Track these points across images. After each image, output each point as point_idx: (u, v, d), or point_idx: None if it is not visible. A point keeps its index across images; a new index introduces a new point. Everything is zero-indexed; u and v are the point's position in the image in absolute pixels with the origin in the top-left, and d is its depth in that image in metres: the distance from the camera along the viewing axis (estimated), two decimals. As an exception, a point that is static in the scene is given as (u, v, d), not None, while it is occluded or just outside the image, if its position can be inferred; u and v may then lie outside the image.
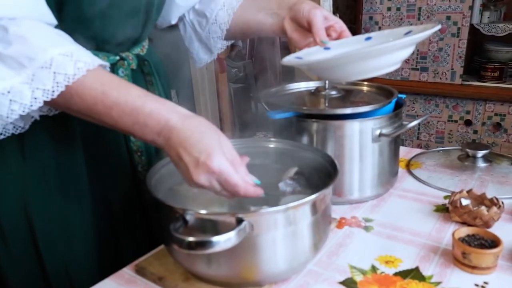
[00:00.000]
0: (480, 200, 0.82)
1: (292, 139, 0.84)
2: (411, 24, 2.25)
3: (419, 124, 2.31)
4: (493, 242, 0.67)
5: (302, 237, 0.62)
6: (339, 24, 0.84)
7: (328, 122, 0.85)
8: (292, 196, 0.70)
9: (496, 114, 2.15)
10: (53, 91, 0.57)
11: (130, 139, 0.82)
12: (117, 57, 0.78)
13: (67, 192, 0.75)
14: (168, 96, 0.93)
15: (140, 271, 0.69)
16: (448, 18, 2.16)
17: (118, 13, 0.72)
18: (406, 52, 0.73)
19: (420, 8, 2.22)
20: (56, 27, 0.65)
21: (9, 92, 0.57)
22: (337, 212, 0.86)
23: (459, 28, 2.15)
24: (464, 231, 0.70)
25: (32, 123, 0.67)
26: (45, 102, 0.59)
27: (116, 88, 0.60)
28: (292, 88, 1.05)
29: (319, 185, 0.71)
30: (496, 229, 0.74)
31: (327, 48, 0.83)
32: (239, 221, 0.55)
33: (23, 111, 0.58)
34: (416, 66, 2.30)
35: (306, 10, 0.82)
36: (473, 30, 2.17)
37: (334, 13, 2.42)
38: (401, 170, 1.04)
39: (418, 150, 1.18)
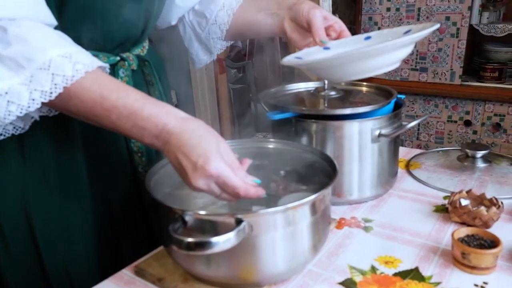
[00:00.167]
0: (480, 200, 0.82)
1: (291, 140, 0.83)
2: (410, 25, 2.25)
3: (418, 124, 2.32)
4: (493, 242, 0.67)
5: (301, 238, 0.62)
6: (339, 24, 0.84)
7: (328, 123, 0.85)
8: (292, 197, 0.70)
9: (495, 115, 2.15)
10: (51, 93, 0.57)
11: (131, 140, 0.82)
12: (118, 58, 0.78)
13: (67, 192, 0.75)
14: (168, 97, 0.93)
15: (139, 272, 0.69)
16: (447, 18, 2.16)
17: (118, 13, 0.72)
18: (405, 51, 0.73)
19: (419, 9, 2.22)
20: (57, 27, 0.65)
21: (6, 93, 0.57)
22: (336, 212, 0.86)
23: (458, 29, 2.15)
24: (464, 231, 0.70)
25: (32, 123, 0.67)
26: (44, 103, 0.59)
27: (115, 90, 0.60)
28: (292, 88, 1.05)
29: (318, 185, 0.71)
30: (496, 229, 0.74)
31: (326, 48, 0.83)
32: (239, 221, 0.55)
33: (21, 112, 0.58)
34: (416, 66, 2.30)
35: (305, 10, 0.82)
36: (472, 30, 2.17)
37: (334, 13, 2.42)
38: (401, 171, 1.04)
39: (418, 151, 1.18)
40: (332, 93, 0.93)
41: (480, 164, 1.02)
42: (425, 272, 0.67)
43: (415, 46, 0.77)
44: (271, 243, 0.59)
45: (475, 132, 2.22)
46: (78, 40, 0.64)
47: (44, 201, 0.73)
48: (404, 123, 0.89)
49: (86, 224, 0.78)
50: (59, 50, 0.58)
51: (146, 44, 0.87)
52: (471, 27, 2.15)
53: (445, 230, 0.78)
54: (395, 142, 0.92)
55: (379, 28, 2.35)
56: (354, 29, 2.42)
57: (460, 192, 0.84)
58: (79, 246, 0.78)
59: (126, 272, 0.70)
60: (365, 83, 1.02)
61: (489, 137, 2.19)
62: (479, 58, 2.28)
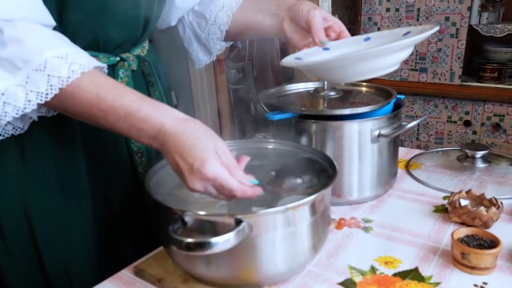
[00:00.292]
0: (479, 200, 0.82)
1: (291, 140, 0.83)
2: (410, 25, 2.26)
3: (418, 124, 2.32)
4: (492, 243, 0.67)
5: (301, 238, 0.62)
6: (338, 25, 0.84)
7: (327, 123, 0.85)
8: (291, 197, 0.70)
9: (495, 115, 2.15)
10: (47, 94, 0.57)
11: (131, 140, 0.82)
12: (118, 58, 0.78)
13: (67, 193, 0.75)
14: (168, 97, 0.93)
15: (139, 273, 0.69)
16: (447, 19, 2.16)
17: (118, 14, 0.72)
18: (405, 54, 0.73)
19: (419, 9, 2.22)
20: (56, 28, 0.65)
21: (3, 94, 0.57)
22: (336, 213, 0.86)
23: (457, 29, 2.15)
24: (463, 231, 0.70)
25: (32, 124, 0.67)
26: (41, 104, 0.59)
27: (112, 91, 0.60)
28: (291, 89, 1.05)
29: (318, 185, 0.71)
30: (495, 230, 0.74)
31: (326, 49, 0.83)
32: (238, 222, 0.55)
33: (17, 114, 0.58)
34: (415, 66, 2.30)
35: (305, 11, 0.82)
36: (471, 31, 2.17)
37: (333, 14, 2.42)
38: (400, 171, 1.04)
39: (417, 151, 1.18)
40: (332, 93, 0.93)
41: (480, 164, 1.02)
42: (424, 273, 0.67)
43: (414, 47, 0.77)
44: (271, 244, 0.59)
45: (474, 132, 2.22)
46: (78, 41, 0.64)
47: (44, 201, 0.73)
48: (403, 123, 0.89)
49: (86, 224, 0.78)
50: (55, 51, 0.58)
51: (146, 44, 0.87)
52: (470, 28, 2.15)
53: (444, 230, 0.78)
54: (395, 142, 0.92)
55: (378, 29, 2.35)
56: (354, 30, 2.42)
57: (460, 192, 0.84)
58: (79, 246, 0.78)
59: (125, 273, 0.70)
60: (364, 84, 1.02)
61: (488, 137, 2.19)
62: (479, 58, 2.28)
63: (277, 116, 0.85)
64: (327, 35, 0.82)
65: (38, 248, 0.75)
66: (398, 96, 0.93)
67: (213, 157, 0.57)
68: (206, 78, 2.83)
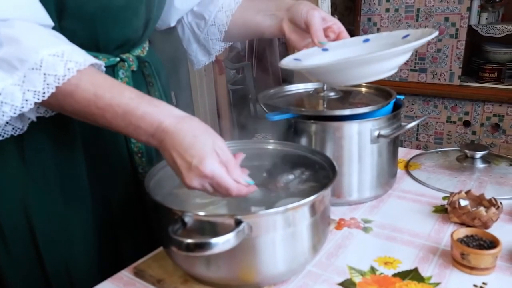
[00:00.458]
0: (479, 200, 0.82)
1: (291, 141, 0.84)
2: (409, 26, 2.26)
3: (417, 125, 2.32)
4: (492, 243, 0.67)
5: (301, 239, 0.62)
6: (337, 25, 0.84)
7: (327, 124, 0.85)
8: (291, 198, 0.70)
9: (494, 115, 2.15)
10: (44, 93, 0.57)
11: (131, 141, 0.82)
12: (118, 59, 0.78)
13: (67, 193, 0.75)
14: (168, 97, 0.94)
15: (138, 274, 0.69)
16: (446, 19, 2.16)
17: (118, 15, 0.73)
18: (403, 58, 0.74)
19: (418, 10, 2.22)
20: (56, 29, 0.65)
21: (0, 93, 0.57)
22: (336, 213, 0.86)
23: (457, 30, 2.15)
24: (463, 231, 0.70)
25: (32, 124, 0.67)
26: (39, 103, 0.59)
27: (109, 89, 0.60)
28: (291, 89, 1.05)
29: (318, 186, 0.71)
30: (495, 230, 0.74)
31: (325, 49, 0.83)
32: (238, 222, 0.55)
33: (14, 113, 0.58)
34: (415, 67, 2.31)
35: (304, 12, 0.82)
36: (471, 31, 2.17)
37: (333, 14, 2.42)
38: (400, 171, 1.04)
39: (417, 151, 1.18)
40: (331, 94, 0.93)
41: (479, 165, 1.02)
42: (424, 273, 0.67)
43: (414, 48, 0.77)
44: (271, 244, 0.59)
45: (474, 133, 2.23)
46: (78, 42, 0.64)
47: (44, 201, 0.73)
48: (403, 123, 0.89)
49: (86, 224, 0.78)
50: (51, 49, 0.58)
51: (146, 45, 0.88)
52: (470, 28, 2.15)
53: (444, 230, 0.78)
54: (395, 143, 0.92)
55: (378, 29, 2.36)
56: (353, 30, 2.42)
57: (459, 192, 0.84)
58: (79, 246, 0.78)
59: (125, 273, 0.70)
60: (364, 84, 1.02)
61: (488, 137, 2.19)
62: (478, 58, 2.28)
63: (277, 117, 0.85)
64: (326, 36, 0.82)
65: (38, 248, 0.75)
66: (398, 96, 0.93)
67: (212, 155, 0.58)
68: (206, 79, 2.84)
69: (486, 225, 0.76)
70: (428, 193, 0.94)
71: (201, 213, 0.57)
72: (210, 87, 2.88)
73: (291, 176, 0.74)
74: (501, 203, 0.79)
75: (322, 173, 0.74)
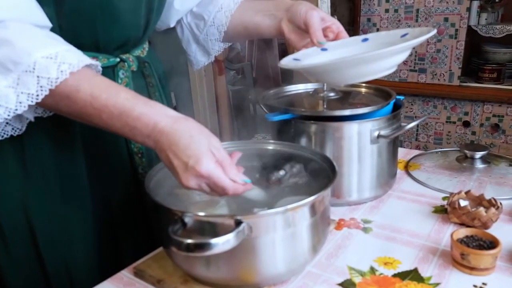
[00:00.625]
0: (479, 201, 0.82)
1: (290, 141, 0.84)
2: (409, 26, 2.26)
3: (417, 125, 2.32)
4: (492, 243, 0.67)
5: (301, 239, 0.62)
6: (336, 25, 0.84)
7: (327, 124, 0.85)
8: (291, 198, 0.70)
9: (494, 115, 2.15)
10: (37, 95, 0.57)
11: (131, 141, 0.82)
12: (118, 59, 0.78)
13: (67, 193, 0.75)
14: (168, 98, 0.94)
15: (138, 274, 0.69)
16: (446, 19, 2.16)
17: (119, 15, 0.73)
18: (402, 57, 0.74)
19: (418, 10, 2.23)
20: (56, 30, 0.65)
21: None
22: (335, 213, 0.86)
23: (456, 30, 2.15)
24: (463, 232, 0.70)
25: (32, 124, 0.67)
26: (37, 104, 0.59)
27: (106, 90, 0.60)
28: (291, 90, 1.05)
29: (317, 186, 0.71)
30: (495, 230, 0.74)
31: (324, 49, 0.83)
32: (238, 223, 0.55)
33: (8, 115, 0.58)
34: (414, 67, 2.31)
35: (303, 12, 0.82)
36: (470, 31, 2.17)
37: (332, 14, 2.43)
38: (400, 172, 1.04)
39: (417, 152, 1.18)
40: (331, 94, 0.93)
41: (479, 165, 1.02)
42: (424, 273, 0.67)
43: (413, 48, 0.78)
44: (271, 245, 0.59)
45: (473, 133, 2.23)
46: (78, 42, 0.64)
47: (44, 201, 0.74)
48: (403, 124, 0.89)
49: (86, 224, 0.78)
50: (44, 51, 0.58)
51: (146, 45, 0.88)
52: (469, 28, 2.15)
53: (444, 231, 0.78)
54: (394, 143, 0.92)
55: (377, 30, 2.36)
56: (353, 31, 2.43)
57: (459, 193, 0.84)
58: (79, 246, 0.78)
59: (125, 273, 0.70)
60: (364, 84, 1.02)
61: (487, 138, 2.19)
62: (478, 59, 2.28)
63: (277, 117, 0.85)
64: (325, 36, 0.83)
65: (38, 248, 0.75)
66: (398, 97, 0.93)
67: (208, 155, 0.58)
68: (206, 79, 2.83)
69: (486, 226, 0.76)
70: (428, 193, 0.94)
71: (201, 214, 0.57)
72: (210, 87, 2.88)
73: (282, 172, 0.74)
74: (500, 203, 0.79)
75: (312, 165, 0.74)
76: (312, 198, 0.59)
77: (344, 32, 0.85)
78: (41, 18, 0.63)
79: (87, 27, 0.70)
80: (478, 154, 1.02)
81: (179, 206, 0.66)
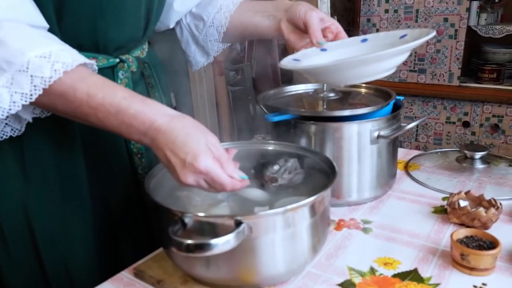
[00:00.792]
0: (478, 201, 0.82)
1: (290, 142, 0.84)
2: (409, 26, 2.26)
3: (417, 125, 2.32)
4: (492, 244, 0.67)
5: (300, 239, 0.62)
6: (335, 26, 0.84)
7: (327, 124, 0.85)
8: (291, 199, 0.70)
9: (494, 116, 2.15)
10: (31, 95, 0.57)
11: (131, 141, 0.82)
12: (117, 60, 0.78)
13: (67, 193, 0.75)
14: (168, 98, 0.94)
15: (138, 274, 0.69)
16: (446, 20, 2.16)
17: (119, 16, 0.73)
18: (401, 58, 0.74)
19: (417, 10, 2.23)
20: (55, 30, 0.65)
21: None
22: (335, 214, 0.86)
23: (456, 30, 2.15)
24: (463, 232, 0.70)
25: (32, 124, 0.67)
26: (33, 104, 0.59)
27: (102, 89, 0.60)
28: (291, 90, 1.05)
29: (317, 187, 0.71)
30: (495, 230, 0.75)
31: (323, 49, 0.83)
32: (238, 223, 0.55)
33: (2, 115, 0.58)
34: (414, 68, 2.31)
35: (302, 12, 0.82)
36: (470, 32, 2.18)
37: (332, 15, 2.43)
38: (400, 172, 1.04)
39: (416, 152, 1.18)
40: (331, 94, 0.93)
41: (479, 165, 1.02)
42: (424, 274, 0.67)
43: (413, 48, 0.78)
44: (271, 245, 0.59)
45: (473, 133, 2.23)
46: (77, 43, 0.64)
47: (44, 202, 0.74)
48: (403, 124, 0.89)
49: (86, 224, 0.78)
50: (38, 51, 0.57)
51: (145, 46, 0.88)
52: (469, 29, 2.16)
53: (444, 231, 0.78)
54: (394, 144, 0.92)
55: (377, 30, 2.36)
56: (353, 31, 2.43)
57: (459, 193, 0.84)
58: (79, 246, 0.78)
59: (125, 274, 0.70)
60: (364, 85, 1.02)
61: (487, 138, 2.19)
62: (477, 59, 2.28)
63: (277, 118, 0.85)
64: (325, 36, 0.83)
65: (38, 248, 0.75)
66: (397, 97, 0.93)
67: (205, 151, 0.58)
68: (205, 80, 2.83)
69: (485, 226, 0.76)
70: (428, 193, 0.94)
71: (201, 214, 0.57)
72: (209, 88, 2.88)
73: (276, 167, 0.74)
74: (500, 203, 0.79)
75: (311, 166, 0.74)
76: (312, 198, 0.59)
77: (343, 33, 0.85)
78: (37, 18, 0.63)
79: (87, 27, 0.70)
80: (478, 155, 1.02)
81: (179, 206, 0.67)
